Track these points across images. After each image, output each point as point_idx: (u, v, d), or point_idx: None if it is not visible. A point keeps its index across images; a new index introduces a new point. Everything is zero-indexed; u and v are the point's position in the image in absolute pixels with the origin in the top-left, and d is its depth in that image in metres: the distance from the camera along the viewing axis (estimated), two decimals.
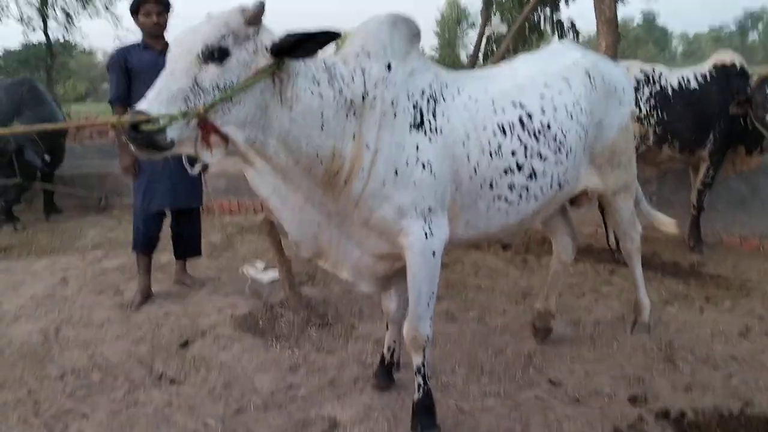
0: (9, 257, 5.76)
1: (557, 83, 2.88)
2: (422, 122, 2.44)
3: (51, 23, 16.06)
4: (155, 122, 1.95)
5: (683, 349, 3.38)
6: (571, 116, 2.85)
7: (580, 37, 11.85)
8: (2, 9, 15.35)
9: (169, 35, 4.36)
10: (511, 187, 2.67)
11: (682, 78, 5.00)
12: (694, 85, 4.99)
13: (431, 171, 2.42)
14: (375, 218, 2.44)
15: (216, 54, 2.05)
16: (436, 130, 2.46)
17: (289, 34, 2.11)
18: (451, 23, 33.27)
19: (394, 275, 2.77)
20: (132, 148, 2.03)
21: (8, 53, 27.81)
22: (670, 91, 4.91)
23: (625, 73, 3.26)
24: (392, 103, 2.40)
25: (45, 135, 6.96)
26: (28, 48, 21.73)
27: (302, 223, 2.49)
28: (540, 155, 2.72)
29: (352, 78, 2.36)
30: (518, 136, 2.67)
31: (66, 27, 16.38)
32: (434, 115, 2.48)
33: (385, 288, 2.89)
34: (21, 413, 2.93)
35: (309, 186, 2.39)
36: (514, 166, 2.65)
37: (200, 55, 2.04)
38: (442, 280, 4.57)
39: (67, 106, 15.06)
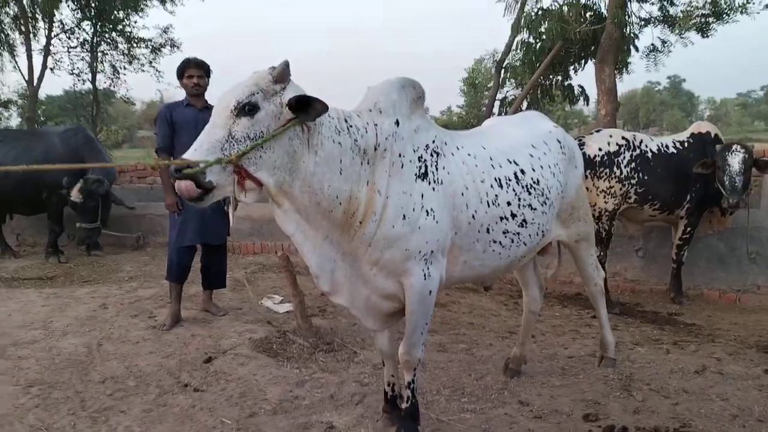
0: (54, 285, 6.44)
1: (541, 146, 3.39)
2: (426, 173, 2.76)
3: (99, 76, 17.38)
4: (194, 167, 2.29)
5: (641, 382, 3.82)
6: (553, 174, 3.35)
7: (590, 101, 12.51)
8: (57, 62, 16.63)
9: (209, 96, 5.10)
10: (505, 232, 3.05)
11: (662, 144, 5.58)
12: (672, 150, 5.56)
13: (434, 217, 2.73)
14: (384, 259, 2.71)
15: (246, 108, 2.38)
16: (438, 180, 2.78)
17: (295, 97, 2.44)
18: (476, 84, 34.24)
19: (397, 315, 3.02)
20: (177, 190, 2.40)
21: (51, 99, 29.52)
22: (649, 155, 5.47)
23: (575, 143, 3.76)
24: (400, 155, 2.72)
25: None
26: (69, 95, 23.07)
27: (321, 258, 2.73)
28: (530, 206, 3.17)
29: (366, 130, 2.67)
30: (513, 188, 3.09)
31: (112, 79, 17.67)
32: (437, 168, 2.80)
33: (387, 326, 3.12)
34: (70, 407, 3.49)
35: (328, 226, 2.66)
36: (509, 215, 3.05)
37: (233, 110, 2.38)
38: (439, 317, 5.14)
39: (107, 151, 16.09)
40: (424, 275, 2.77)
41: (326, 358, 4.26)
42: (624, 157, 5.40)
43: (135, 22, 17.06)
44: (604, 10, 10.23)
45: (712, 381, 3.86)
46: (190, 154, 2.34)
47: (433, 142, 2.88)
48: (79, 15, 16.50)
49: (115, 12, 16.46)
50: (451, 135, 3.11)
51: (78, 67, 17.22)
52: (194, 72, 4.94)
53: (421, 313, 2.86)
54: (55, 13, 15.77)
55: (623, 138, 5.47)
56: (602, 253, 5.40)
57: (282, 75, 2.48)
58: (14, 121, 22.68)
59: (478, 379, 3.91)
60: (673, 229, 5.84)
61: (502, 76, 12.96)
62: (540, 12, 10.85)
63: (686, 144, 5.63)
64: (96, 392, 3.69)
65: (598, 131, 5.77)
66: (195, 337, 4.63)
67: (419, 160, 2.78)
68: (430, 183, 2.77)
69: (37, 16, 16.02)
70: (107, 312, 5.31)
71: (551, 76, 11.97)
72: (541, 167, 3.29)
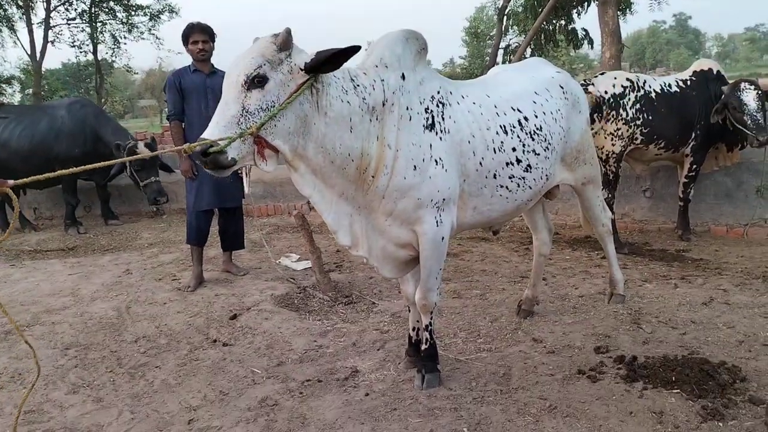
0: (77, 254, 6.64)
1: (543, 93, 3.46)
2: (433, 124, 2.85)
3: (100, 47, 17.38)
4: (217, 145, 2.37)
5: (650, 315, 3.98)
6: (555, 120, 3.44)
7: (594, 44, 12.39)
8: (57, 35, 16.60)
9: (214, 59, 5.16)
10: (511, 177, 3.16)
11: (664, 83, 5.62)
12: (675, 89, 5.60)
13: (443, 166, 2.83)
14: (398, 209, 2.83)
15: (256, 81, 2.44)
16: (445, 130, 2.87)
17: (319, 53, 2.51)
18: (478, 34, 33.65)
19: (413, 262, 3.14)
20: (205, 169, 2.50)
21: (51, 72, 29.58)
22: (653, 95, 5.52)
23: (579, 86, 3.80)
24: (407, 108, 2.80)
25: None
26: (68, 67, 23.12)
27: (338, 215, 2.84)
28: (534, 152, 3.26)
29: (373, 87, 2.73)
30: (518, 135, 3.18)
31: (113, 50, 17.67)
32: (443, 118, 2.89)
33: (403, 274, 3.26)
34: (108, 365, 3.69)
35: (342, 183, 2.76)
36: (514, 160, 3.16)
37: (243, 84, 2.44)
38: (452, 265, 5.30)
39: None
40: (436, 222, 2.90)
41: (346, 310, 4.44)
42: (629, 99, 5.45)
43: None
44: None
45: (718, 311, 4.01)
46: (209, 134, 2.41)
47: (438, 92, 2.95)
48: None
49: None
50: (456, 85, 3.18)
51: (78, 39, 17.27)
52: (199, 37, 4.99)
53: (434, 258, 2.99)
54: None
55: (627, 79, 5.51)
56: (610, 195, 5.51)
57: (286, 43, 2.52)
58: (17, 97, 22.80)
59: (493, 321, 4.08)
60: (679, 167, 5.91)
61: (504, 23, 12.83)
62: None
63: (689, 82, 5.66)
64: (130, 351, 3.88)
65: (602, 74, 5.80)
66: (219, 297, 4.82)
67: (426, 112, 2.86)
68: (437, 133, 2.87)
69: None
70: (132, 277, 5.51)
71: (554, 21, 11.84)
72: (544, 113, 3.38)
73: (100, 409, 3.16)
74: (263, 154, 2.54)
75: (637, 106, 5.46)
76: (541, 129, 3.32)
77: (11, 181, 2.11)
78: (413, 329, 3.47)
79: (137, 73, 22.64)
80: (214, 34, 5.10)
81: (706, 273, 4.84)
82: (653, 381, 3.05)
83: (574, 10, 11.59)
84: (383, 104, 2.77)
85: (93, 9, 16.66)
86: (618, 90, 5.47)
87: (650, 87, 5.55)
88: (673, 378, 3.03)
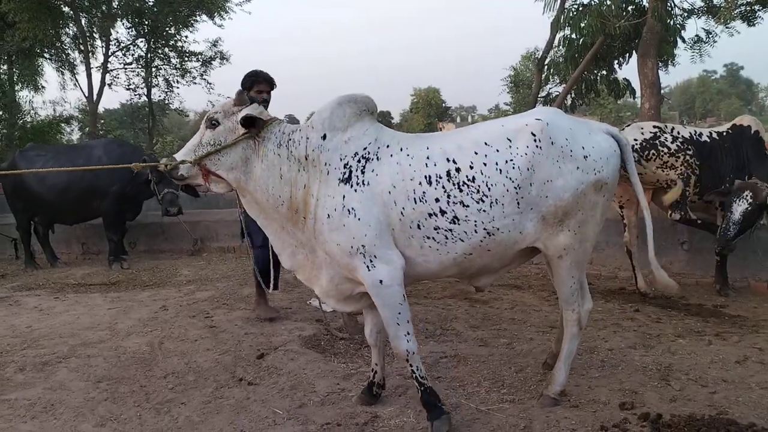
0: (118, 289, 6.86)
1: (498, 143, 3.18)
2: (350, 177, 3.14)
3: (153, 90, 18.24)
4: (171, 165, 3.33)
5: (680, 372, 3.88)
6: (500, 171, 3.12)
7: (636, 95, 12.33)
8: (114, 78, 17.52)
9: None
10: (436, 229, 3.10)
11: (694, 132, 5.70)
12: (705, 139, 5.62)
13: (356, 216, 3.07)
14: (327, 250, 3.19)
15: (211, 122, 3.32)
16: (362, 182, 3.12)
17: (243, 117, 3.22)
18: (518, 83, 33.69)
19: (362, 298, 3.35)
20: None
21: (109, 113, 31.05)
22: (681, 140, 5.55)
23: (598, 142, 3.28)
24: (326, 163, 3.18)
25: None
26: (126, 108, 24.27)
27: (282, 242, 3.39)
28: (462, 203, 3.09)
29: (299, 143, 3.25)
30: (443, 186, 3.09)
31: (166, 93, 18.51)
32: (363, 171, 3.14)
33: (351, 308, 3.52)
34: (136, 400, 3.79)
35: (280, 218, 3.31)
36: (438, 211, 3.09)
37: (204, 123, 3.34)
38: (481, 313, 5.27)
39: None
40: (368, 267, 3.10)
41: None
42: (666, 138, 5.52)
43: (186, 37, 17.91)
44: (645, 3, 10.13)
45: (752, 370, 3.89)
46: (177, 153, 3.40)
47: (365, 149, 3.20)
48: (134, 33, 17.40)
49: (167, 28, 17.24)
50: (400, 139, 3.29)
51: (134, 83, 18.21)
52: (264, 87, 5.04)
53: (384, 305, 3.16)
54: (112, 32, 16.61)
55: (655, 126, 5.63)
56: (683, 213, 5.56)
57: (237, 100, 3.33)
58: (75, 135, 23.91)
59: (518, 371, 4.03)
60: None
61: (545, 73, 12.93)
62: (580, 8, 10.83)
63: (724, 134, 5.68)
64: (159, 386, 3.98)
65: (627, 125, 5.85)
66: (248, 335, 4.90)
67: (344, 167, 3.18)
68: (352, 186, 3.14)
69: (95, 35, 16.90)
70: (167, 313, 5.66)
71: (595, 71, 11.89)
72: (485, 164, 3.14)
73: None
74: (208, 179, 3.38)
75: (677, 143, 5.47)
76: (473, 180, 3.12)
77: None
78: (372, 370, 3.67)
79: (188, 115, 23.50)
80: (275, 86, 5.25)
81: (742, 330, 4.71)
82: None
83: (615, 61, 11.63)
84: (306, 158, 3.23)
85: (149, 55, 17.61)
86: (648, 135, 5.52)
87: (678, 133, 5.60)
88: None
